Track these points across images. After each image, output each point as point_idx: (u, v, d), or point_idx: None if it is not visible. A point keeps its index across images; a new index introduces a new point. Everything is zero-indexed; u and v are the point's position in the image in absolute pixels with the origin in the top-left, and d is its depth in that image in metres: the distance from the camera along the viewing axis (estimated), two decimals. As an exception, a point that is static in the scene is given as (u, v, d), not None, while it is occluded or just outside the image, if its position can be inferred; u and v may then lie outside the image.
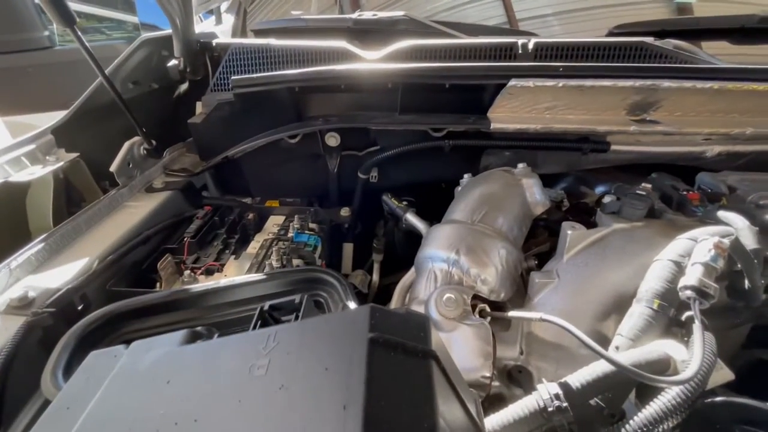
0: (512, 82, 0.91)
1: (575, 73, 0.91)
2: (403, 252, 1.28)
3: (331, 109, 1.11)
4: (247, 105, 1.05)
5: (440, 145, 1.05)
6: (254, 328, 0.44)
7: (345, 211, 1.13)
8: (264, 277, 0.70)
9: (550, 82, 0.91)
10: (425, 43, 0.99)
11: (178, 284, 0.83)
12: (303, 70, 0.97)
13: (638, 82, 0.90)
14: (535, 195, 0.84)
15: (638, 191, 0.71)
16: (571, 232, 0.67)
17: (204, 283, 0.70)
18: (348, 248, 1.26)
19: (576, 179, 1.37)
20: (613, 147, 1.05)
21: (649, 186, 0.73)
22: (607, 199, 0.72)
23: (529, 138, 1.03)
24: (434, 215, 0.97)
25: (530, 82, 0.91)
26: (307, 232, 0.96)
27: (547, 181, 1.45)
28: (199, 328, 0.45)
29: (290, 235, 0.96)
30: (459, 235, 0.72)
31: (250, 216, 1.01)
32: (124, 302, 0.65)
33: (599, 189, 1.37)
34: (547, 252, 0.88)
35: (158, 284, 0.83)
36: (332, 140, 1.11)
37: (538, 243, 0.89)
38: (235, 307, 0.68)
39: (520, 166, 0.88)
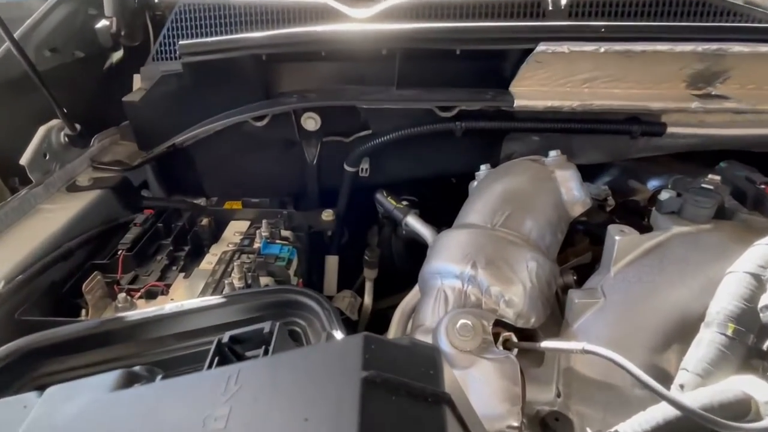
0: (541, 47, 0.92)
1: (621, 35, 0.92)
2: (404, 266, 1.29)
3: (309, 82, 1.10)
4: (200, 78, 1.05)
5: (449, 128, 1.05)
6: (210, 367, 0.43)
7: (328, 215, 1.13)
8: (222, 300, 0.69)
9: (589, 47, 0.92)
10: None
11: (109, 311, 0.82)
12: (272, 32, 0.97)
13: (701, 46, 0.91)
14: (573, 191, 0.85)
15: (704, 185, 0.71)
16: (619, 238, 0.66)
17: (144, 310, 0.69)
18: (332, 262, 1.26)
19: (623, 171, 1.38)
20: (670, 129, 1.06)
21: (717, 178, 0.74)
22: (664, 196, 0.72)
23: (563, 119, 1.04)
24: (443, 219, 0.97)
25: (564, 47, 0.91)
26: (278, 241, 0.95)
27: (587, 173, 1.49)
28: (136, 368, 0.44)
29: (256, 245, 0.95)
30: (476, 243, 0.72)
31: (204, 222, 1.00)
32: (37, 335, 0.63)
33: (653, 183, 1.39)
34: (588, 264, 0.88)
35: (83, 311, 0.82)
36: (310, 123, 1.11)
37: (578, 253, 0.89)
38: (184, 340, 0.67)
39: (553, 153, 0.88)
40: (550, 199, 0.82)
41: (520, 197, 0.80)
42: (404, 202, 1.10)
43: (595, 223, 1.07)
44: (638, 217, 1.12)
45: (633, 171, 1.37)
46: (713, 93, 1.03)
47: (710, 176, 0.75)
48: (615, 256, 0.67)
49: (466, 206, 0.85)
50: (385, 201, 1.11)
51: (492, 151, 1.23)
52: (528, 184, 0.82)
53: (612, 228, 0.69)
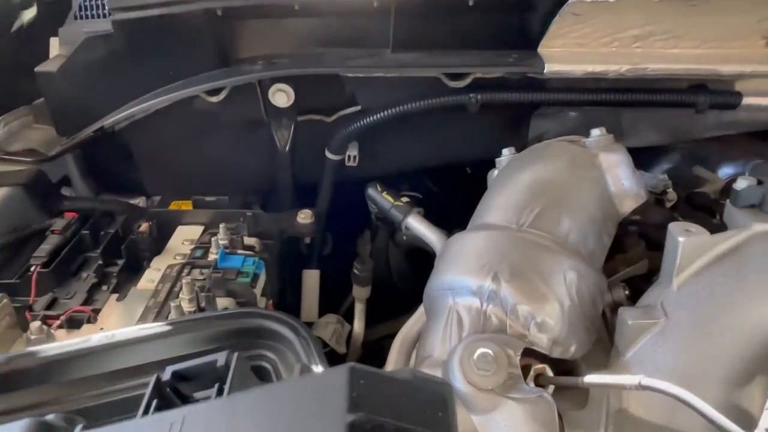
0: (578, -7, 0.92)
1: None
2: (405, 282, 1.29)
3: (279, 45, 1.11)
4: (136, 41, 1.04)
5: (462, 102, 1.06)
6: (146, 412, 0.42)
7: (305, 216, 1.13)
8: (168, 328, 0.69)
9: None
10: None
11: (19, 345, 0.81)
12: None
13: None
14: (622, 181, 0.84)
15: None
16: (683, 239, 0.66)
17: (65, 342, 0.68)
18: (312, 279, 1.26)
19: (687, 156, 1.39)
20: (747, 100, 1.06)
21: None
22: (740, 185, 0.71)
23: (608, 89, 1.04)
24: (455, 219, 0.97)
25: (607, -8, 0.92)
26: (240, 252, 0.95)
27: (641, 159, 1.49)
28: (50, 417, 0.43)
29: (212, 257, 0.95)
30: (498, 248, 0.71)
31: (143, 227, 0.99)
32: None
33: (726, 170, 1.39)
34: (644, 275, 0.88)
35: (-15, 346, 0.81)
36: (281, 97, 1.11)
37: (630, 260, 0.88)
38: (118, 381, 0.67)
39: (596, 132, 0.88)
40: (593, 192, 0.82)
41: (555, 190, 0.80)
42: (404, 199, 1.10)
43: (652, 222, 1.07)
44: (708, 214, 1.12)
45: (699, 155, 1.38)
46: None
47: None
48: (679, 263, 0.67)
49: (485, 201, 0.85)
50: (380, 197, 1.11)
51: (517, 130, 1.24)
52: (564, 173, 0.82)
53: (674, 227, 0.68)
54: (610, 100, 1.05)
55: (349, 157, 1.20)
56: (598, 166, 0.85)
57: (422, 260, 1.14)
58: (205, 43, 1.05)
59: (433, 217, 1.35)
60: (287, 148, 1.18)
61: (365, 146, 1.21)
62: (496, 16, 1.03)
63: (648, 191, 1.27)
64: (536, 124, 1.23)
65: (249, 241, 1.00)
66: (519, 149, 1.22)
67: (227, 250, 0.94)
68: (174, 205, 1.17)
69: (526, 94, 1.06)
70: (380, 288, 1.27)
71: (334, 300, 1.37)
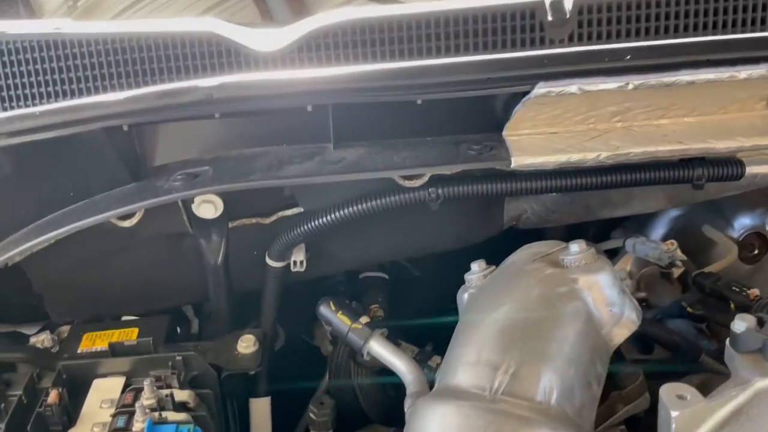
0: (540, 89, 0.94)
1: (658, 62, 0.95)
2: (374, 408, 1.29)
3: (200, 147, 1.12)
4: (26, 164, 1.04)
5: (420, 199, 1.07)
6: None
7: (247, 343, 1.13)
8: None
9: (611, 84, 0.95)
10: (370, 13, 1.00)
11: None
12: (135, 92, 0.97)
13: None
14: (609, 307, 0.86)
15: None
16: (676, 414, 0.67)
17: None
18: (261, 409, 1.26)
19: (695, 210, 1.42)
20: (752, 169, 1.09)
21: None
22: (738, 327, 0.74)
23: (589, 170, 1.07)
24: (432, 298, 0.97)
25: (573, 86, 0.94)
26: (172, 417, 0.94)
27: (640, 220, 1.55)
28: None
29: (138, 425, 0.94)
30: (471, 429, 0.72)
31: (52, 396, 0.96)
32: None
33: (742, 222, 1.43)
34: (649, 411, 0.91)
35: None
36: (207, 209, 1.11)
37: (628, 398, 0.91)
38: None
39: (574, 248, 0.90)
40: (576, 329, 0.83)
41: (531, 337, 0.81)
42: (364, 319, 1.10)
43: (652, 326, 1.10)
44: (723, 302, 1.15)
45: (710, 207, 1.42)
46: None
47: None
48: (675, 438, 0.68)
49: (455, 350, 0.86)
50: (334, 319, 1.11)
51: (490, 214, 1.26)
52: (539, 311, 0.83)
53: (666, 393, 0.69)
54: (591, 185, 1.07)
55: (294, 262, 1.20)
56: (578, 292, 0.86)
57: (397, 392, 1.16)
58: (109, 158, 1.04)
59: (406, 297, 1.38)
60: (219, 262, 1.17)
61: (314, 248, 1.22)
62: (452, 106, 1.04)
63: (653, 265, 1.33)
64: (512, 206, 1.25)
65: (181, 395, 0.99)
66: (495, 230, 1.27)
67: (155, 418, 0.93)
68: (87, 341, 1.15)
69: (493, 186, 1.07)
70: (344, 412, 1.26)
71: (292, 416, 1.38)
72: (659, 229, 1.52)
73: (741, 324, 0.74)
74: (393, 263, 1.58)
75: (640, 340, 1.17)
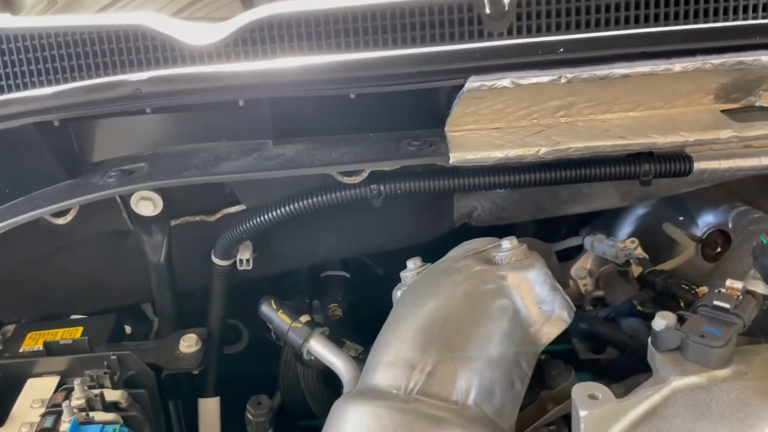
0: (473, 83, 0.95)
1: (591, 54, 0.95)
2: (322, 408, 1.28)
3: (136, 142, 1.13)
4: None
5: (362, 196, 1.09)
6: None
7: (189, 343, 1.13)
8: None
9: (544, 77, 0.95)
10: (304, 7, 0.99)
11: None
12: (62, 87, 0.97)
13: (714, 60, 0.94)
14: (539, 304, 0.87)
15: (718, 302, 0.73)
16: (585, 413, 0.67)
17: None
18: (209, 409, 1.26)
19: (657, 208, 1.42)
20: (699, 165, 1.09)
21: (737, 288, 0.74)
22: (658, 324, 0.73)
23: (533, 167, 1.07)
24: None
25: (506, 80, 0.95)
26: (99, 417, 0.93)
27: (601, 218, 1.54)
28: None
29: (65, 425, 0.93)
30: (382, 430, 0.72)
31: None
32: None
33: (706, 219, 1.43)
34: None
35: None
36: (146, 206, 1.12)
37: (559, 397, 0.90)
38: None
39: (506, 245, 0.90)
40: (499, 328, 0.84)
41: (451, 334, 0.82)
42: (304, 318, 1.10)
43: (600, 324, 1.10)
44: (673, 300, 1.15)
45: (673, 205, 1.41)
46: (758, 104, 1.07)
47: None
48: (585, 440, 0.68)
49: (376, 349, 0.88)
50: (275, 317, 1.11)
51: (440, 211, 1.26)
52: (463, 310, 0.85)
53: (577, 392, 0.70)
54: (533, 181, 1.08)
55: (240, 261, 1.21)
56: (506, 290, 0.87)
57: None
58: (43, 156, 1.05)
59: (370, 297, 1.37)
60: (162, 260, 1.18)
61: (260, 245, 1.23)
62: (388, 101, 1.04)
63: (610, 263, 1.32)
64: (462, 203, 1.26)
65: (113, 395, 1.00)
66: (447, 227, 1.27)
67: (82, 418, 0.93)
68: (30, 340, 1.15)
69: (436, 182, 1.08)
70: (296, 414, 1.27)
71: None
72: (626, 227, 1.52)
73: (660, 322, 0.74)
74: (357, 262, 1.59)
75: (592, 339, 1.16)
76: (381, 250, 1.33)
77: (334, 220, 1.23)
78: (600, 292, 1.34)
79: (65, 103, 0.98)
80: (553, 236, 1.48)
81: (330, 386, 1.26)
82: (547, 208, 1.27)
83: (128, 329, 1.30)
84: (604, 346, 1.17)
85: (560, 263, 1.37)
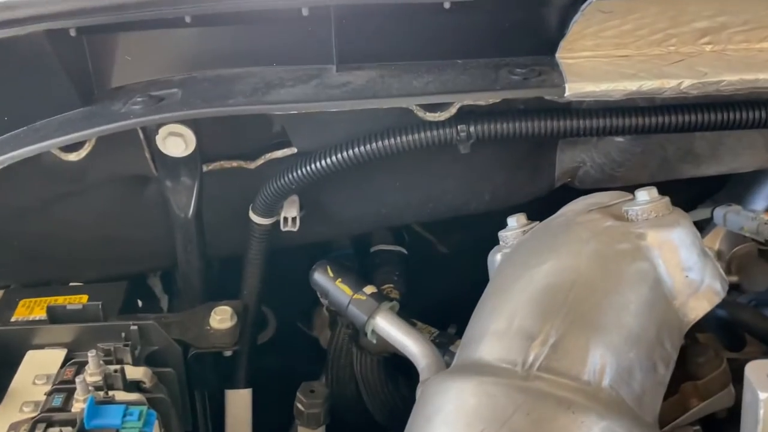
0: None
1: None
2: (379, 404, 1.29)
3: (167, 64, 1.12)
4: None
5: (446, 139, 1.07)
6: None
7: (223, 316, 1.13)
8: None
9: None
10: None
11: None
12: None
13: None
14: (686, 272, 0.84)
15: None
16: (766, 396, 0.66)
17: None
18: (239, 402, 1.28)
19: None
20: None
21: None
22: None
23: (669, 106, 1.06)
24: (461, 279, 0.99)
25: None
26: (121, 397, 0.94)
27: (737, 185, 1.52)
28: None
29: (78, 406, 0.94)
30: (496, 413, 0.71)
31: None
32: None
33: None
34: (731, 410, 0.89)
35: None
36: (175, 144, 1.11)
37: (706, 391, 0.89)
38: None
39: (642, 196, 0.88)
40: (640, 296, 0.81)
41: (579, 301, 0.79)
42: (369, 289, 1.10)
43: (744, 312, 1.08)
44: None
45: None
46: None
47: None
48: (762, 428, 0.67)
49: (480, 317, 0.85)
50: (332, 286, 1.11)
51: (539, 166, 1.25)
52: (592, 272, 0.82)
53: (752, 371, 0.68)
54: (670, 125, 1.06)
55: (285, 219, 1.20)
56: (645, 251, 0.85)
57: (407, 369, 1.15)
58: (54, 75, 1.04)
59: (429, 279, 1.36)
60: (190, 214, 1.18)
61: (310, 202, 1.23)
62: (490, 14, 1.03)
63: (751, 240, 1.30)
64: (567, 156, 1.24)
65: (134, 373, 0.99)
66: (543, 190, 1.25)
67: (100, 397, 0.93)
68: (23, 308, 1.16)
69: (543, 123, 1.06)
70: (345, 411, 1.27)
71: (282, 416, 1.38)
72: (763, 201, 1.49)
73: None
74: (414, 237, 1.59)
75: (728, 330, 1.14)
76: (459, 213, 1.32)
77: (404, 173, 1.22)
78: (734, 278, 1.31)
79: (87, 6, 0.97)
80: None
81: (393, 378, 1.26)
82: (674, 165, 1.25)
83: (140, 303, 1.32)
84: (744, 342, 1.16)
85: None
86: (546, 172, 1.25)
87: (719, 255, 1.36)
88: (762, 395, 0.67)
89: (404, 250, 1.53)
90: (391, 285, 1.41)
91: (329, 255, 1.47)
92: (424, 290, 1.48)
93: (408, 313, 1.27)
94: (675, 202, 1.47)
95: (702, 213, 1.40)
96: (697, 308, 0.85)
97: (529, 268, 0.86)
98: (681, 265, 0.85)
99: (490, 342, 0.80)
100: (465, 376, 0.78)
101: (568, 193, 1.28)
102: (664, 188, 1.34)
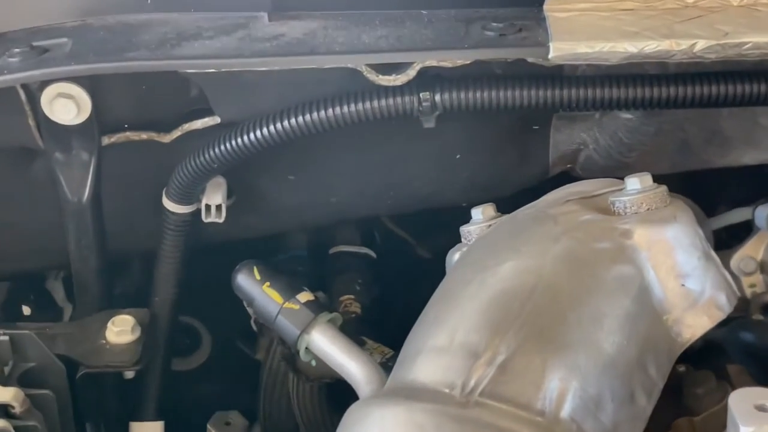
0: None
1: None
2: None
3: (55, 5, 1.14)
4: None
5: (404, 110, 1.07)
6: None
7: (120, 327, 1.14)
8: None
9: None
10: None
11: None
12: None
13: None
14: (682, 279, 0.85)
15: None
16: (748, 431, 0.67)
17: None
18: None
19: None
20: None
21: None
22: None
23: (682, 74, 1.07)
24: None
25: None
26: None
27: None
28: None
29: None
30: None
31: None
32: None
33: None
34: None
35: None
36: (65, 108, 1.11)
37: (705, 427, 0.90)
38: None
39: (633, 184, 0.89)
40: (620, 307, 0.82)
41: (540, 309, 0.80)
42: (304, 296, 1.10)
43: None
44: None
45: None
46: None
47: None
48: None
49: (417, 330, 0.87)
50: (258, 292, 1.12)
51: (529, 144, 1.25)
52: (559, 273, 0.83)
53: (736, 401, 0.69)
54: (686, 99, 1.07)
55: (208, 208, 1.21)
56: (630, 252, 0.86)
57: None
58: None
59: (403, 289, 1.37)
60: (85, 198, 1.18)
61: (241, 187, 1.24)
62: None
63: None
64: (563, 136, 1.24)
65: (2, 394, 1.00)
66: (534, 179, 1.26)
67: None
68: None
69: (525, 93, 1.06)
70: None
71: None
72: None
73: None
74: (388, 237, 1.60)
75: (760, 360, 1.15)
76: (430, 205, 1.32)
77: (358, 151, 1.24)
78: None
79: None
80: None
81: (339, 411, 1.27)
82: (698, 151, 1.25)
83: (27, 310, 1.34)
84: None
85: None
86: (537, 155, 1.25)
87: (762, 266, 1.37)
88: (744, 429, 0.68)
89: (372, 253, 1.54)
90: (352, 296, 1.42)
91: (276, 258, 1.49)
92: (398, 303, 1.49)
93: (377, 333, 1.30)
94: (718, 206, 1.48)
95: (739, 214, 1.40)
96: (695, 326, 0.86)
97: (482, 270, 0.86)
98: (676, 270, 0.86)
99: (427, 360, 0.81)
100: (390, 401, 0.79)
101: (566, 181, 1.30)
102: (688, 180, 1.36)
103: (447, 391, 0.77)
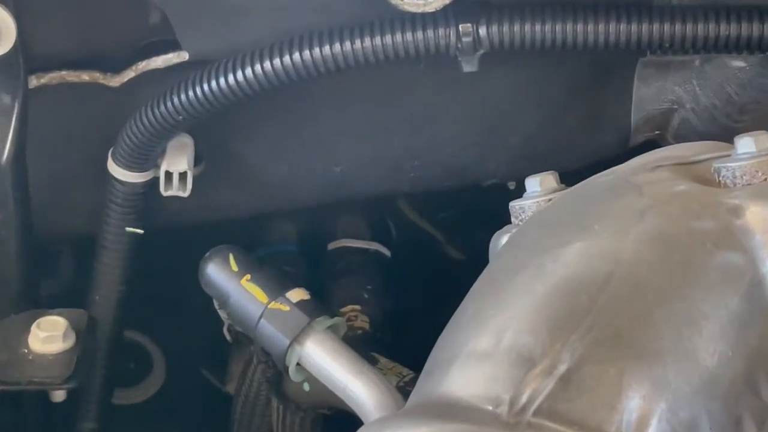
0: None
1: None
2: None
3: None
4: None
5: (437, 48, 1.09)
6: None
7: (48, 332, 1.15)
8: None
9: None
10: None
11: None
12: None
13: None
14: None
15: None
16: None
17: None
18: None
19: None
20: None
21: None
22: None
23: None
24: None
25: None
26: None
27: None
28: None
29: None
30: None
31: None
32: None
33: None
34: None
35: None
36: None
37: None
38: None
39: (744, 146, 0.90)
40: (726, 306, 0.82)
41: (615, 307, 0.81)
42: (298, 293, 1.12)
43: None
44: None
45: None
46: None
47: None
48: None
49: (452, 330, 0.89)
50: (235, 288, 1.13)
51: (603, 99, 1.27)
52: (645, 259, 0.84)
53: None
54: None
55: (168, 176, 1.23)
56: (742, 236, 0.87)
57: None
58: None
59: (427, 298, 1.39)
60: (4, 158, 1.19)
61: (215, 150, 1.27)
62: None
63: None
64: (651, 90, 1.25)
65: None
66: (611, 157, 1.28)
67: None
68: None
69: (602, 27, 1.07)
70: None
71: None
72: None
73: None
74: (408, 231, 1.61)
75: None
76: (467, 181, 1.34)
77: (373, 104, 1.26)
78: None
79: None
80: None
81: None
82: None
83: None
84: None
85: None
86: (615, 116, 1.27)
87: None
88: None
89: (385, 251, 1.56)
90: (357, 307, 1.43)
91: (257, 250, 1.49)
92: (418, 318, 1.51)
93: (389, 356, 1.30)
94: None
95: None
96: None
97: (540, 253, 0.87)
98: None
99: (465, 368, 0.82)
100: (416, 420, 0.80)
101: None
102: None
103: (491, 408, 0.78)
